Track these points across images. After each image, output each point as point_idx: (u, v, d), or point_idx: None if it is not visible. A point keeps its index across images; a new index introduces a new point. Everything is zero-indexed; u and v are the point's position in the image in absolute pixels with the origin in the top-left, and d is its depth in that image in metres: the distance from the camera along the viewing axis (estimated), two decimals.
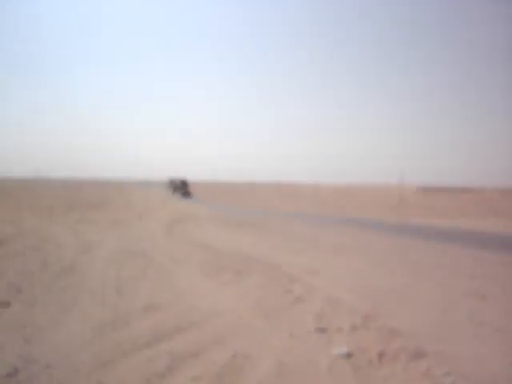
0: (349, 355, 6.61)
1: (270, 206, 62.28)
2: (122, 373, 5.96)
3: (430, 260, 15.40)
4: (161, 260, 14.40)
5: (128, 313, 8.56)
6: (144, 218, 31.99)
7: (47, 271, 12.22)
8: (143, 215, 33.78)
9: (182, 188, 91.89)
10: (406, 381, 5.91)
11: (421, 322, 8.27)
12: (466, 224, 32.09)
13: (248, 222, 30.70)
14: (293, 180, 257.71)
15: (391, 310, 9.02)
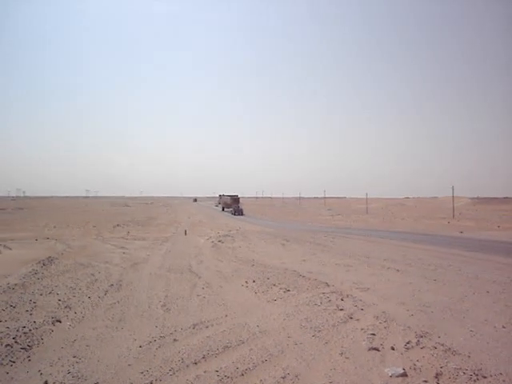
0: (404, 375, 6.26)
1: (318, 220, 61.95)
2: None
3: (486, 274, 14.73)
4: (208, 276, 14.32)
5: (176, 330, 8.46)
6: (190, 234, 32.18)
7: (95, 288, 12.34)
8: (189, 231, 34.00)
9: (232, 205, 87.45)
10: None
11: (479, 341, 7.80)
12: None
13: (296, 237, 30.43)
14: (341, 194, 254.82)
15: (447, 327, 8.58)
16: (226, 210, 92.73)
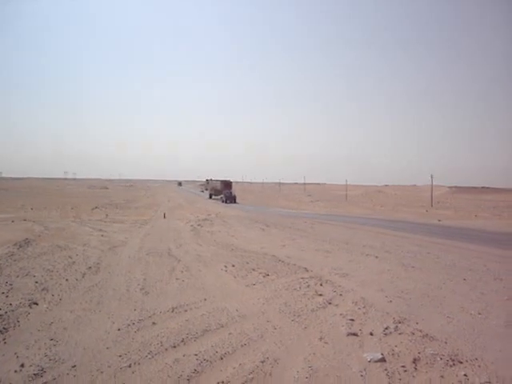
0: (382, 361, 6.31)
1: (298, 206, 62.15)
2: (148, 375, 5.79)
3: (463, 262, 14.93)
4: (187, 260, 14.26)
5: (154, 313, 8.41)
6: (169, 217, 32.02)
7: (73, 270, 12.20)
8: (168, 215, 33.83)
9: (223, 191, 72.83)
10: None
11: (455, 327, 7.91)
12: (498, 225, 31.45)
13: (276, 222, 30.48)
14: (320, 181, 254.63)
15: (424, 314, 8.69)
16: (214, 197, 78.70)
